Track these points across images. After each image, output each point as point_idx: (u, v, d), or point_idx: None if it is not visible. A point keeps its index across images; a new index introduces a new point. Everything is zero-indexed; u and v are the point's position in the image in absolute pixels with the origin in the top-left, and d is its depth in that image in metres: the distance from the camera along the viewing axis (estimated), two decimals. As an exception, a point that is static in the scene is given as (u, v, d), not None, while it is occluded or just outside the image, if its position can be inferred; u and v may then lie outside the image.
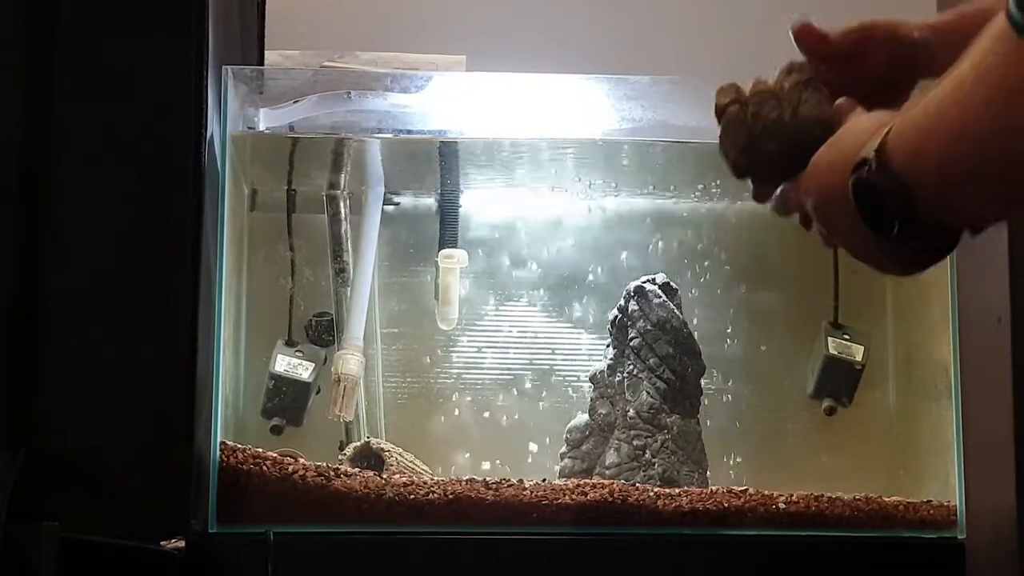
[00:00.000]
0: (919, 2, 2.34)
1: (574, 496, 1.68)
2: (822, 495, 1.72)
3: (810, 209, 1.06)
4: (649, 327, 1.81)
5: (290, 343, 1.94)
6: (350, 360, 1.89)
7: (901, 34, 1.15)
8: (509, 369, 2.01)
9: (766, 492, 1.71)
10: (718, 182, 1.98)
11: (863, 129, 1.01)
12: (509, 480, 1.69)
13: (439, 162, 1.98)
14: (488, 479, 1.69)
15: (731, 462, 1.96)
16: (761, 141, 1.07)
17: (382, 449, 1.82)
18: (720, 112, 1.10)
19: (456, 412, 1.99)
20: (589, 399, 1.86)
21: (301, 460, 1.69)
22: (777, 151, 1.07)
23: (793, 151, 1.05)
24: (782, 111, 1.07)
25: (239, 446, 1.66)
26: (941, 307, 1.79)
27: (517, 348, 2.02)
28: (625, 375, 1.83)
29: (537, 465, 1.93)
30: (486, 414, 1.99)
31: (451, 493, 1.66)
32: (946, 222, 0.96)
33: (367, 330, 1.93)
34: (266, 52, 2.11)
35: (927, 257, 1.01)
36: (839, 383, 1.94)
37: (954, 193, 0.93)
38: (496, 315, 2.02)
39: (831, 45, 1.15)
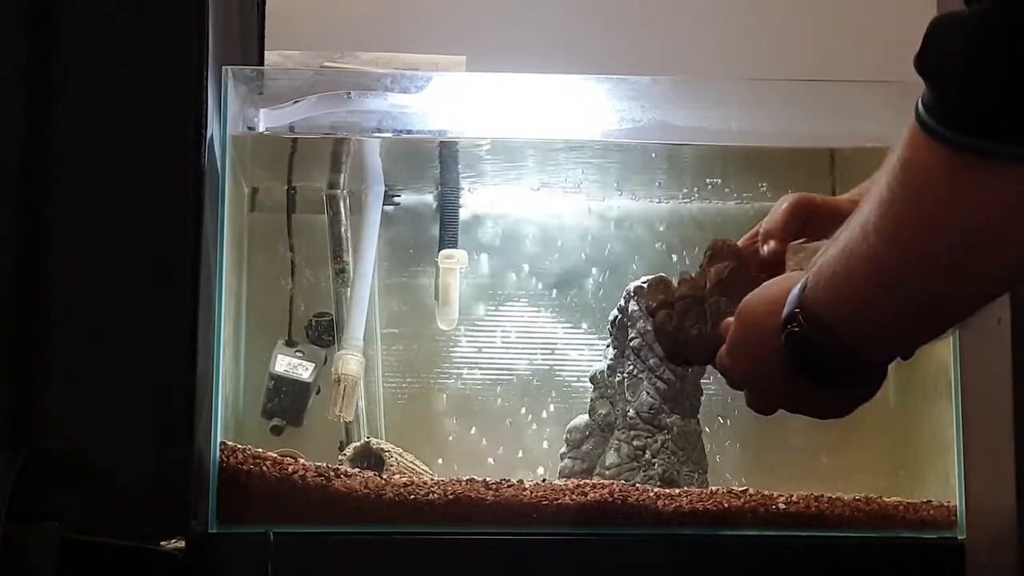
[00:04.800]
0: (919, 2, 2.34)
1: (574, 496, 1.68)
2: (822, 495, 1.72)
3: (738, 380, 1.08)
4: (649, 327, 1.81)
5: (290, 343, 1.94)
6: (350, 360, 1.89)
7: (833, 205, 1.16)
8: (509, 369, 2.01)
9: (766, 492, 1.71)
10: (718, 182, 1.98)
11: (775, 293, 1.02)
12: (509, 480, 1.69)
13: (439, 162, 1.98)
14: (488, 479, 1.69)
15: (731, 462, 1.96)
16: (687, 350, 1.15)
17: (382, 449, 1.82)
18: (650, 313, 1.18)
19: (456, 412, 1.99)
20: (589, 399, 1.86)
21: (301, 460, 1.69)
22: (702, 357, 1.14)
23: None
24: (703, 326, 1.12)
25: (239, 446, 1.66)
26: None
27: (517, 348, 2.02)
28: (625, 375, 1.83)
29: (536, 465, 1.93)
30: (486, 414, 1.99)
31: (451, 493, 1.66)
32: (878, 358, 0.98)
33: (367, 330, 1.93)
34: (266, 52, 2.11)
35: (861, 395, 1.03)
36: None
37: (876, 328, 0.94)
38: (496, 315, 2.02)
39: (785, 229, 1.16)
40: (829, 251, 0.95)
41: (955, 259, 0.84)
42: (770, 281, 1.05)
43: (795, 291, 0.98)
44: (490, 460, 1.96)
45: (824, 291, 0.95)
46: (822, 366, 0.98)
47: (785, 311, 0.98)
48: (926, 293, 0.87)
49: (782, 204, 1.21)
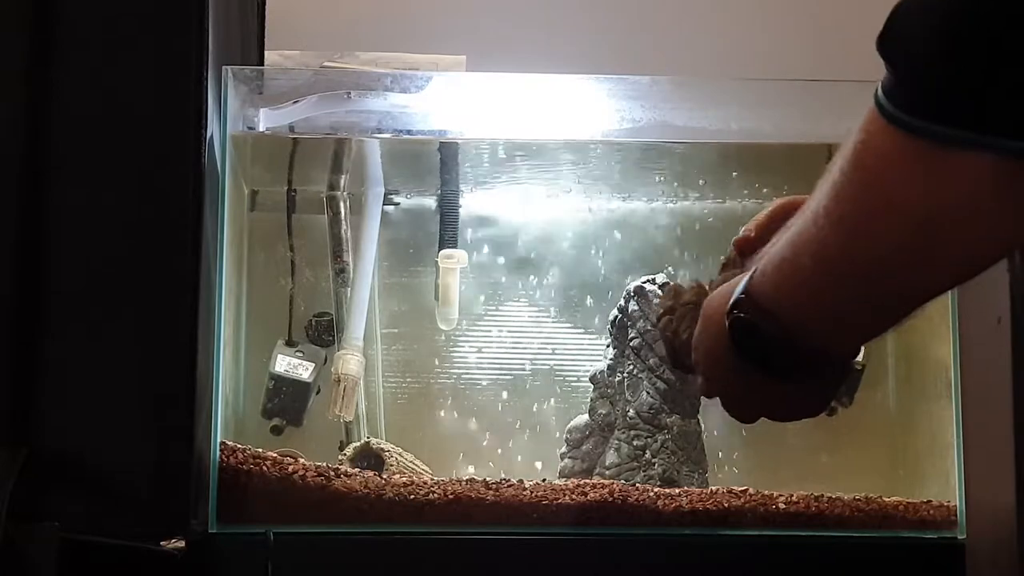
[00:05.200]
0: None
1: (574, 496, 1.68)
2: (822, 495, 1.72)
3: (704, 380, 1.07)
4: (649, 327, 1.81)
5: (290, 343, 1.94)
6: (350, 360, 1.89)
7: None
8: (509, 369, 2.01)
9: (766, 492, 1.71)
10: (717, 182, 1.98)
11: (731, 286, 1.01)
12: (509, 480, 1.69)
13: (439, 162, 1.98)
14: (488, 479, 1.69)
15: (730, 462, 1.96)
16: (681, 355, 1.15)
17: (382, 449, 1.82)
18: (656, 318, 1.20)
19: (456, 412, 1.99)
20: (589, 399, 1.86)
21: (301, 460, 1.69)
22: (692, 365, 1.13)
23: None
24: (692, 332, 1.12)
25: (239, 446, 1.66)
26: (941, 307, 1.79)
27: (517, 348, 2.02)
28: (625, 375, 1.83)
29: (536, 465, 1.93)
30: (486, 414, 1.99)
31: (451, 493, 1.66)
32: (826, 347, 0.96)
33: (367, 330, 1.93)
34: (266, 52, 2.11)
35: (821, 391, 1.02)
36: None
37: (817, 318, 0.92)
38: (496, 315, 2.02)
39: (766, 227, 1.15)
40: (780, 239, 0.94)
41: (905, 244, 0.83)
42: (735, 278, 1.05)
43: (744, 279, 0.97)
44: (490, 464, 1.96)
45: (771, 277, 0.94)
46: (768, 354, 0.96)
47: (731, 299, 0.97)
48: (874, 279, 0.86)
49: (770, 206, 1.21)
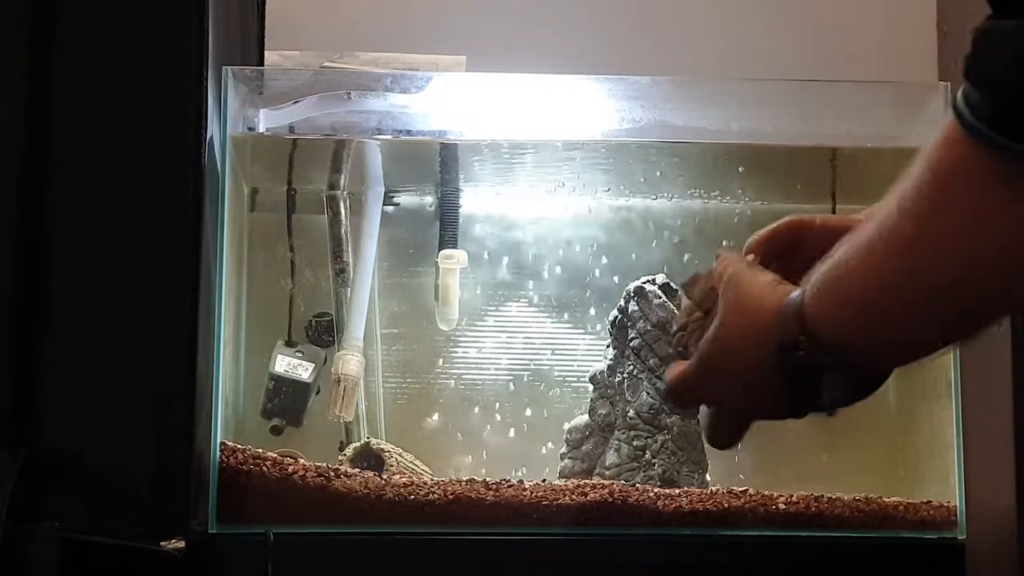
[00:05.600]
0: (920, 3, 2.34)
1: (574, 496, 1.68)
2: (822, 495, 1.72)
3: (705, 392, 1.04)
4: (649, 328, 1.81)
5: (290, 343, 1.94)
6: (350, 360, 1.89)
7: (833, 227, 1.13)
8: (509, 369, 2.01)
9: (766, 492, 1.71)
10: (710, 181, 1.98)
11: (756, 308, 0.98)
12: (509, 480, 1.69)
13: (439, 162, 1.98)
14: (488, 479, 1.69)
15: (730, 462, 1.96)
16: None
17: (382, 449, 1.82)
18: (672, 334, 1.15)
19: (456, 412, 1.99)
20: (589, 399, 1.86)
21: (301, 460, 1.69)
22: None
23: None
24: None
25: (239, 446, 1.66)
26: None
27: (517, 348, 2.02)
28: (625, 376, 1.83)
29: (535, 465, 1.93)
30: (486, 414, 1.99)
31: (451, 493, 1.66)
32: (882, 368, 0.94)
33: (367, 330, 1.93)
34: (266, 52, 2.11)
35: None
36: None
37: (889, 344, 0.90)
38: (496, 316, 2.02)
39: (769, 244, 1.13)
40: (834, 259, 0.91)
41: (984, 262, 0.83)
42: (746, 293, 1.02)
43: (787, 310, 0.93)
44: (491, 464, 1.96)
45: (831, 302, 0.91)
46: (822, 387, 0.94)
47: (779, 336, 0.94)
48: (947, 297, 0.85)
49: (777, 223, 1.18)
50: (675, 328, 1.14)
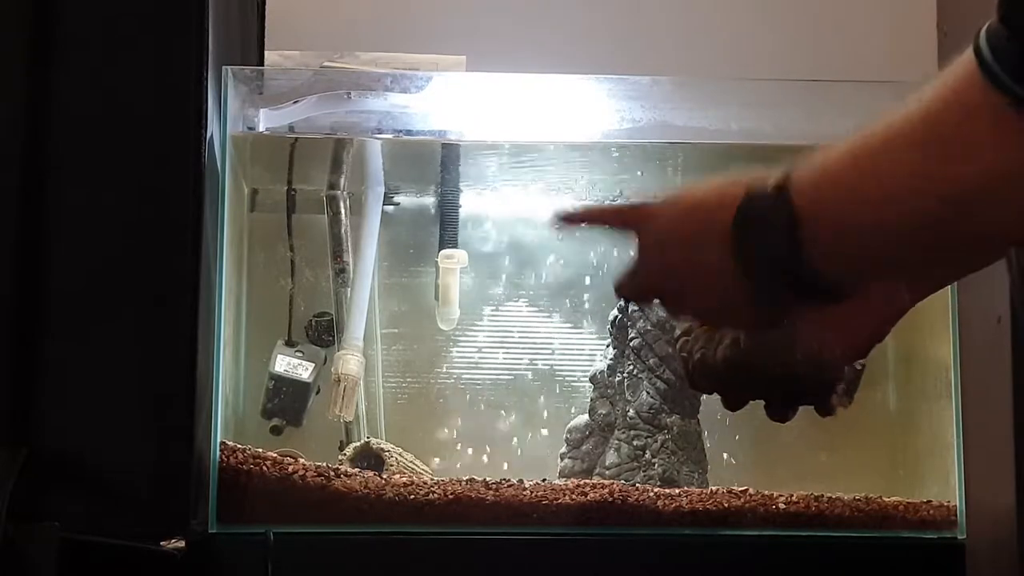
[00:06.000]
0: (920, 3, 2.34)
1: (574, 496, 1.68)
2: (822, 495, 1.72)
3: (657, 262, 1.02)
4: (649, 327, 1.82)
5: (290, 343, 1.94)
6: (350, 360, 1.89)
7: None
8: (509, 369, 2.01)
9: (766, 492, 1.71)
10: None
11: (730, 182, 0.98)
12: (509, 480, 1.69)
13: (439, 162, 1.98)
14: (488, 479, 1.69)
15: (730, 464, 1.96)
16: (698, 375, 1.12)
17: (382, 449, 1.82)
18: (675, 338, 1.15)
19: (456, 412, 1.99)
20: (589, 399, 1.86)
21: (301, 460, 1.69)
22: (702, 381, 1.11)
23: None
24: (705, 352, 1.10)
25: (239, 446, 1.66)
26: (941, 307, 1.79)
27: (517, 348, 2.02)
28: (625, 375, 1.83)
29: (535, 465, 1.93)
30: (485, 414, 1.99)
31: (451, 493, 1.66)
32: (828, 270, 0.92)
33: (367, 330, 1.93)
34: (266, 52, 2.11)
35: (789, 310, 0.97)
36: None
37: (853, 242, 0.90)
38: (496, 316, 2.02)
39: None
40: (829, 152, 0.91)
41: (974, 195, 0.84)
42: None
43: (766, 181, 0.94)
44: (489, 465, 1.96)
45: (816, 181, 0.91)
46: (771, 249, 0.92)
47: (747, 202, 0.94)
48: (924, 215, 0.86)
49: None
50: (679, 332, 1.14)
